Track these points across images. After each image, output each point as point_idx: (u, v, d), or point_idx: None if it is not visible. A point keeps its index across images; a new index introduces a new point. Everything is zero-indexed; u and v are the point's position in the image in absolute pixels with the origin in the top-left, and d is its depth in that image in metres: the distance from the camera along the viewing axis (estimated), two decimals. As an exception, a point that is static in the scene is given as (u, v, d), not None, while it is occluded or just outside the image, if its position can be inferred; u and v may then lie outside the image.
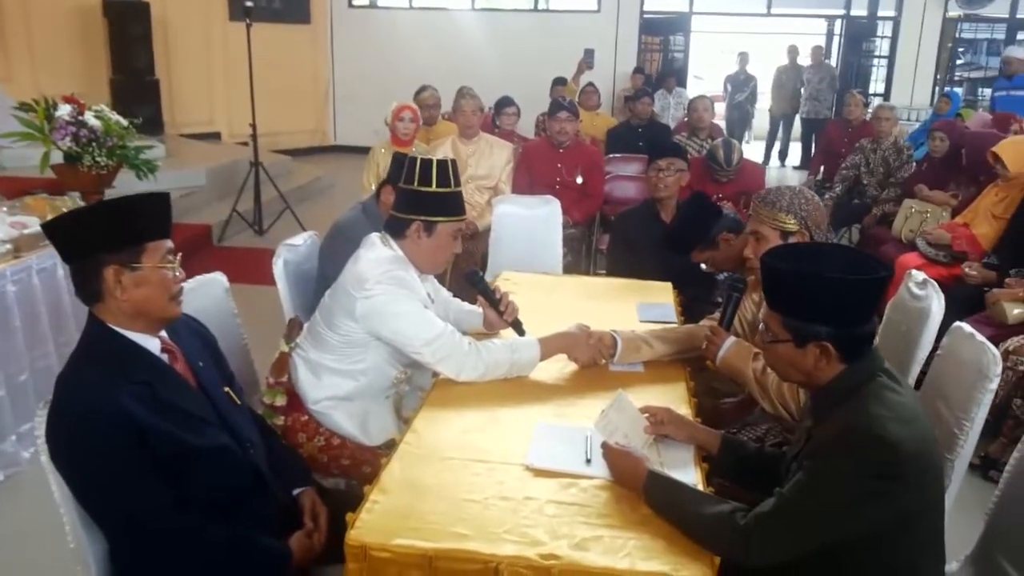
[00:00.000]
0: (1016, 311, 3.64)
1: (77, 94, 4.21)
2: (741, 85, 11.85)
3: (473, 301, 2.83)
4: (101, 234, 1.68)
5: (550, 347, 2.41)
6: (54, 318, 3.46)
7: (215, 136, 10.10)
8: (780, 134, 11.98)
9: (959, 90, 12.33)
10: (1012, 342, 3.47)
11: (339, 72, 11.63)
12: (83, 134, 3.96)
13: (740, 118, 11.94)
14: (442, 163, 2.35)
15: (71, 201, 3.83)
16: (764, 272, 1.70)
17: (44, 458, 1.68)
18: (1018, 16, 11.60)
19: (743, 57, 12.03)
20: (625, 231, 3.93)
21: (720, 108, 11.06)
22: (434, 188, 2.34)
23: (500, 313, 2.59)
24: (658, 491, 1.73)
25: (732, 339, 2.30)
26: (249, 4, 6.69)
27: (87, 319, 1.76)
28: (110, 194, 4.26)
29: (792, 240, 2.28)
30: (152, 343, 1.78)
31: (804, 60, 11.50)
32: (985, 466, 3.37)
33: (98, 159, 3.97)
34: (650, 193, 3.90)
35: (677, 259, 3.58)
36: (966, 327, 2.32)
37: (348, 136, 11.52)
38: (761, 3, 11.97)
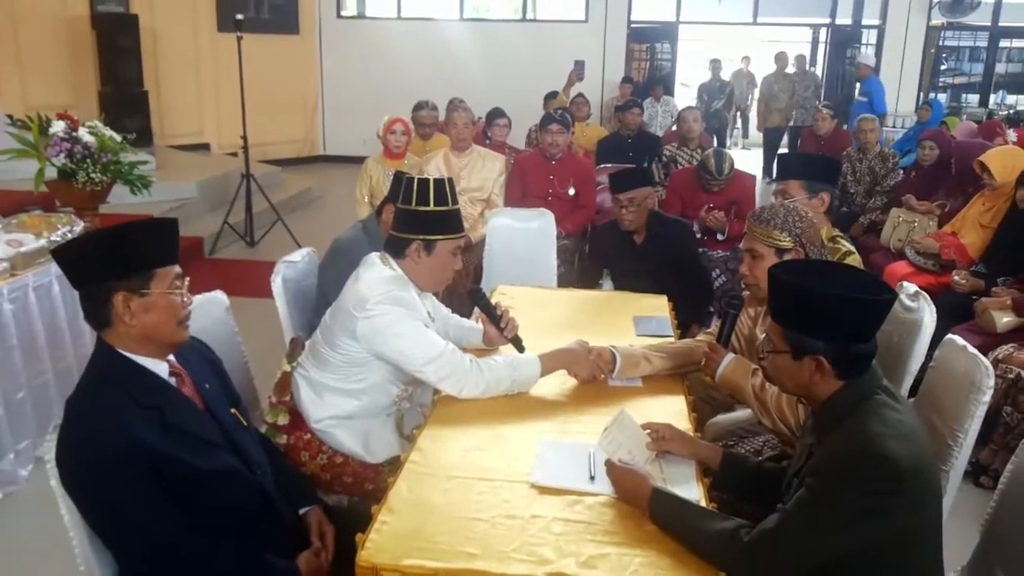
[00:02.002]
0: (1005, 319, 3.69)
1: (66, 106, 4.19)
2: (716, 93, 11.63)
3: (466, 315, 2.85)
4: (110, 261, 1.70)
5: (550, 363, 2.44)
6: (51, 336, 3.46)
7: (204, 147, 10.08)
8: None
9: (943, 97, 12.51)
10: (1001, 350, 3.52)
11: (328, 82, 11.64)
12: (77, 150, 3.95)
13: (720, 127, 11.71)
14: (439, 182, 2.38)
15: (66, 218, 3.83)
16: (771, 284, 1.74)
17: (54, 482, 1.70)
18: (1000, 24, 11.76)
19: (716, 64, 11.85)
20: (599, 248, 3.98)
21: None
22: (432, 207, 2.36)
23: (501, 330, 2.61)
24: (663, 508, 1.76)
25: (731, 355, 2.33)
26: (239, 17, 6.70)
27: (95, 344, 1.78)
28: (104, 209, 4.28)
29: (787, 257, 2.31)
30: (160, 367, 1.79)
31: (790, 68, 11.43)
32: (976, 472, 3.41)
33: (92, 175, 3.97)
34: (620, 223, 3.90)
35: (655, 278, 3.60)
36: (958, 340, 2.36)
37: (338, 146, 11.52)
38: (747, 12, 12.06)
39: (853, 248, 2.86)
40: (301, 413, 2.43)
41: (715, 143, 10.95)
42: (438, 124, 5.95)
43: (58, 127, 3.98)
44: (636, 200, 3.81)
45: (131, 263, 1.71)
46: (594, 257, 4.06)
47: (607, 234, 4.00)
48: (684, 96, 12.81)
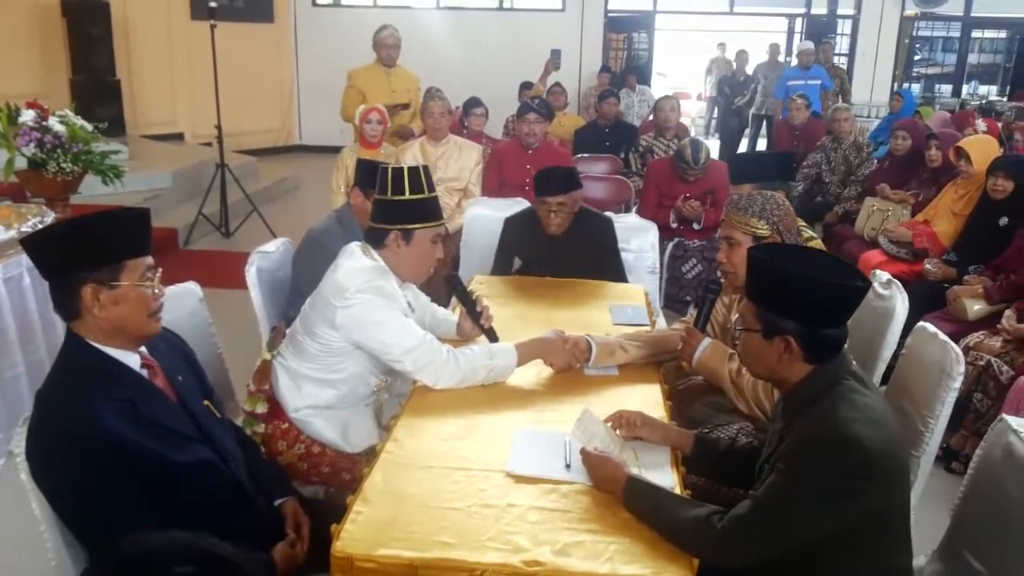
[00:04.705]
0: (976, 307, 3.74)
1: (37, 95, 4.14)
2: (740, 87, 10.46)
3: (442, 303, 2.85)
4: (79, 252, 1.67)
5: (526, 353, 2.44)
6: (22, 328, 3.41)
7: (178, 137, 9.97)
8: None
9: (916, 87, 12.63)
10: (972, 338, 3.56)
11: (304, 71, 11.54)
12: (47, 140, 3.91)
13: (740, 125, 10.62)
14: (414, 170, 2.37)
15: (37, 208, 3.79)
16: (749, 263, 1.77)
17: (24, 476, 1.68)
18: (972, 15, 11.89)
19: (741, 56, 10.80)
20: (508, 240, 3.72)
21: (688, 106, 10.66)
22: (408, 196, 2.35)
23: (476, 317, 2.61)
24: (637, 495, 1.77)
25: (707, 340, 2.35)
26: (213, 4, 6.61)
27: (65, 334, 1.75)
28: (76, 200, 4.23)
29: (763, 245, 2.32)
30: (132, 359, 1.77)
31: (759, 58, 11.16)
32: (947, 458, 3.45)
33: (63, 165, 3.93)
34: (541, 222, 3.54)
35: (573, 273, 3.47)
36: (930, 327, 2.39)
37: (314, 136, 11.43)
38: (724, 1, 12.08)
39: (816, 235, 2.90)
40: (280, 402, 2.43)
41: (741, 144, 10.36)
42: (400, 46, 5.99)
43: (27, 116, 3.94)
44: (567, 205, 3.46)
45: (101, 254, 1.69)
46: (504, 249, 3.69)
47: (521, 224, 3.67)
48: (661, 85, 12.82)
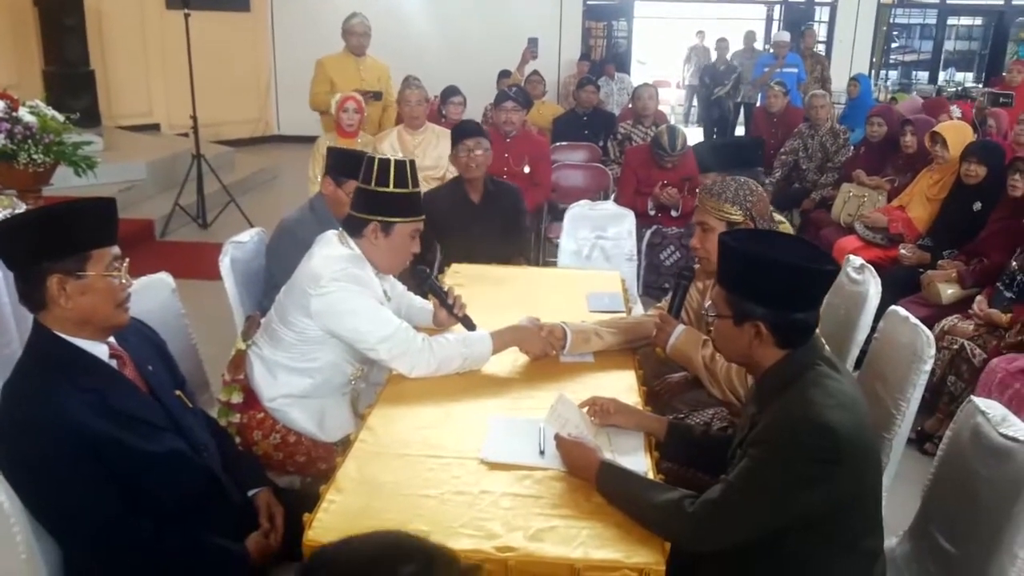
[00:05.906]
0: (949, 291, 3.78)
1: (9, 86, 4.09)
2: (721, 77, 10.06)
3: (420, 292, 2.85)
4: (44, 243, 1.66)
5: (502, 340, 2.44)
6: (-6, 321, 3.38)
7: (154, 128, 9.85)
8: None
9: (894, 74, 12.73)
10: (946, 322, 3.59)
11: (281, 60, 11.41)
12: (18, 131, 3.85)
13: (721, 116, 10.17)
14: (400, 163, 2.35)
15: (7, 200, 3.73)
16: (719, 249, 1.77)
17: (-7, 469, 1.66)
18: (948, 2, 11.98)
19: (722, 44, 10.52)
20: (432, 212, 3.88)
21: (667, 94, 10.57)
22: (391, 188, 2.34)
23: (451, 310, 2.61)
24: (610, 480, 1.78)
25: (682, 327, 2.35)
26: (187, -8, 6.53)
27: (32, 326, 1.74)
28: (48, 192, 4.17)
29: (736, 230, 2.33)
30: (100, 349, 1.76)
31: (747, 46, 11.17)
32: (921, 440, 3.49)
33: (34, 156, 3.87)
34: (460, 172, 3.88)
35: (485, 238, 3.65)
36: (901, 311, 2.42)
37: (292, 125, 11.32)
38: (702, -11, 12.10)
39: (784, 220, 2.91)
40: (255, 391, 2.41)
41: (715, 135, 10.12)
42: (370, 35, 5.96)
43: (-4, 107, 3.88)
44: (483, 145, 3.78)
45: (66, 244, 1.67)
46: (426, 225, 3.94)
47: (443, 195, 3.92)
48: (640, 73, 12.81)
